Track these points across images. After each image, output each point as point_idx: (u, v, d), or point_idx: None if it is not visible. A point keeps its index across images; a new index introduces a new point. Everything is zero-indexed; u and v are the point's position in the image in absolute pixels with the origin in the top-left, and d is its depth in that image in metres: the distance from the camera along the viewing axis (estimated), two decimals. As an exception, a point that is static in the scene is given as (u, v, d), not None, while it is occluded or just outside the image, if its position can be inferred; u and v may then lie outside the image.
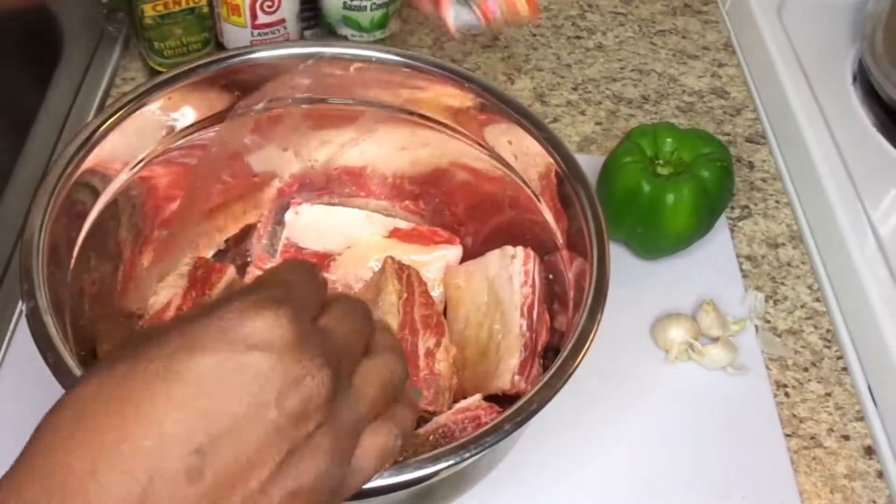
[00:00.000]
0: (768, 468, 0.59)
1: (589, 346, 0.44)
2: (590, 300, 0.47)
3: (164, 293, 0.56)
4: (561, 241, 0.54)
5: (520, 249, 0.56)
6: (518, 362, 0.52)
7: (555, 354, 0.45)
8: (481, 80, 0.57)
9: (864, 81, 0.81)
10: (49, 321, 0.43)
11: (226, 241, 0.64)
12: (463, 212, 0.64)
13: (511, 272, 0.55)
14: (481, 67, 0.86)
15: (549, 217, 0.56)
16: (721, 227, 0.73)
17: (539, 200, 0.56)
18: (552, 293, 0.56)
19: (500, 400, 0.52)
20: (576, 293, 0.51)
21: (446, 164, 0.62)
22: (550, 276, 0.56)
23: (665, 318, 0.65)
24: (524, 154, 0.56)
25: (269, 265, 0.59)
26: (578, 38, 0.91)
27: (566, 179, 0.53)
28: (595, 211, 0.51)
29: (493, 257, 0.57)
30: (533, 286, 0.55)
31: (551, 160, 0.54)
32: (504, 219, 0.61)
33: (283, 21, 0.76)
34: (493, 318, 0.55)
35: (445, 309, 0.60)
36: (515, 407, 0.42)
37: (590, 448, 0.59)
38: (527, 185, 0.57)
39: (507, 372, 0.52)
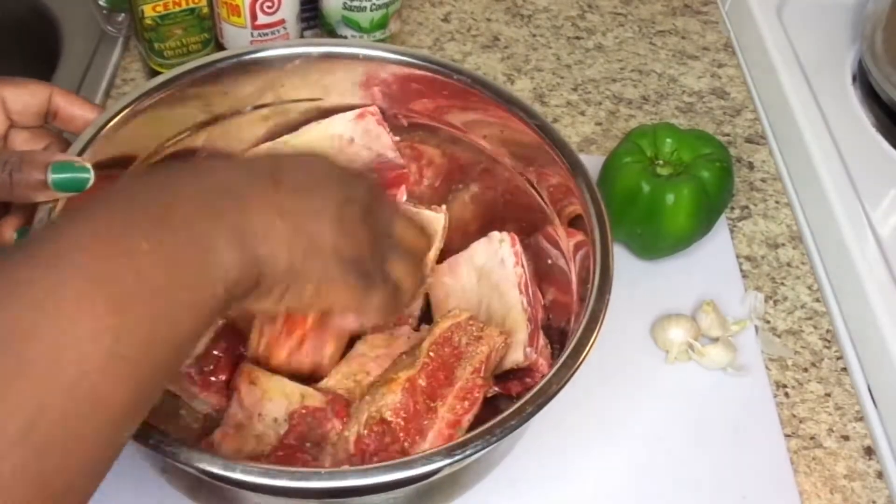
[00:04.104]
0: (768, 468, 0.59)
1: (589, 347, 0.44)
2: (591, 300, 0.47)
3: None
4: (559, 224, 0.55)
5: (505, 234, 0.57)
6: (527, 335, 0.53)
7: (558, 336, 0.45)
8: (480, 77, 0.57)
9: (864, 82, 0.82)
10: (49, 321, 0.43)
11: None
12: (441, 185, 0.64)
13: (502, 255, 0.56)
14: (481, 68, 0.86)
15: (541, 200, 0.57)
16: (721, 228, 0.73)
17: (533, 187, 0.57)
18: (539, 272, 0.57)
19: (503, 398, 0.52)
20: (579, 287, 0.51)
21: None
22: (549, 261, 0.57)
23: (665, 318, 0.65)
24: (516, 143, 0.57)
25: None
26: (578, 38, 0.91)
27: (561, 160, 0.54)
28: (594, 194, 0.52)
29: (480, 246, 0.58)
30: (523, 265, 0.56)
31: (544, 145, 0.55)
32: (488, 204, 0.61)
33: (283, 21, 0.76)
34: (488, 300, 0.56)
35: (429, 305, 0.60)
36: (516, 406, 0.42)
37: (590, 448, 0.59)
38: (521, 175, 0.58)
39: (519, 345, 0.53)
